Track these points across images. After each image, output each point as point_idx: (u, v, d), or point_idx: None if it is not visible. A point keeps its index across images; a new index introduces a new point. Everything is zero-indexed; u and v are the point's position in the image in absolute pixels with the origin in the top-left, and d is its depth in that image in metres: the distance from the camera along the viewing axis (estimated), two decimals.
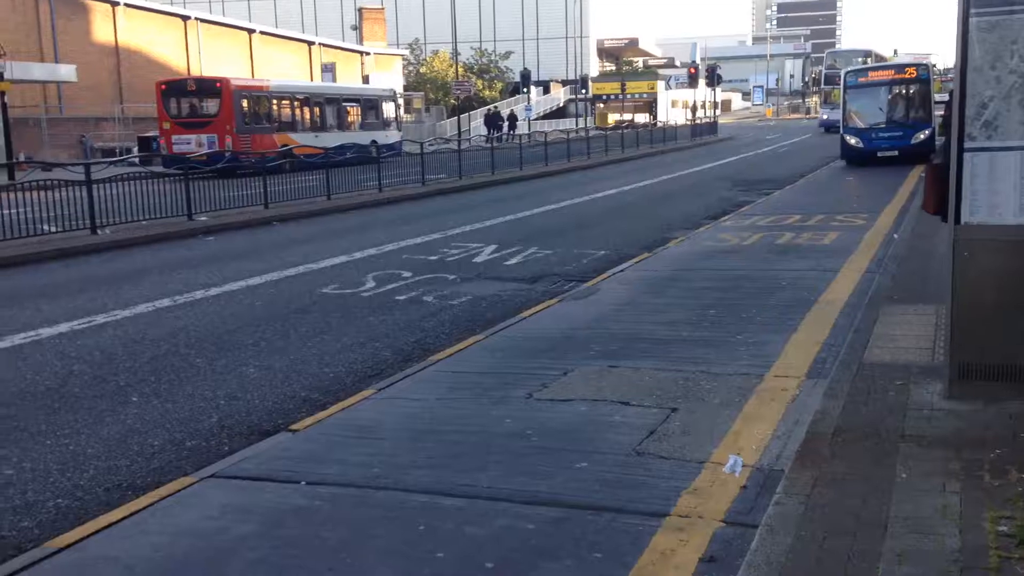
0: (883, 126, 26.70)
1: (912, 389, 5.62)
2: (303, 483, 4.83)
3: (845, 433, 4.90)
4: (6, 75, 26.09)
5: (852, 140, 26.94)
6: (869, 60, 55.71)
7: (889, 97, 27.16)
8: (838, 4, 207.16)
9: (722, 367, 6.68)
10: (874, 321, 7.40)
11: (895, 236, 12.45)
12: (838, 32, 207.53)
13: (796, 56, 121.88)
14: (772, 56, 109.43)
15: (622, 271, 10.97)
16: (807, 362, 6.74)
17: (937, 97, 28.74)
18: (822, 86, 61.27)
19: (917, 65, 28.56)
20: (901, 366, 6.12)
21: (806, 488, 4.20)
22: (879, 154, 26.25)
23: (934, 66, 33.60)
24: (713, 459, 4.93)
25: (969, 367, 5.31)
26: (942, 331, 6.00)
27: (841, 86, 28.70)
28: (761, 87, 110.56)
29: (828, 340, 7.34)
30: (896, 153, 26.01)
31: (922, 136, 26.23)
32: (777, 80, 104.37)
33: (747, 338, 7.51)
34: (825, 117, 55.41)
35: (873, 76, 28.04)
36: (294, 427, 5.78)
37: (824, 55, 60.04)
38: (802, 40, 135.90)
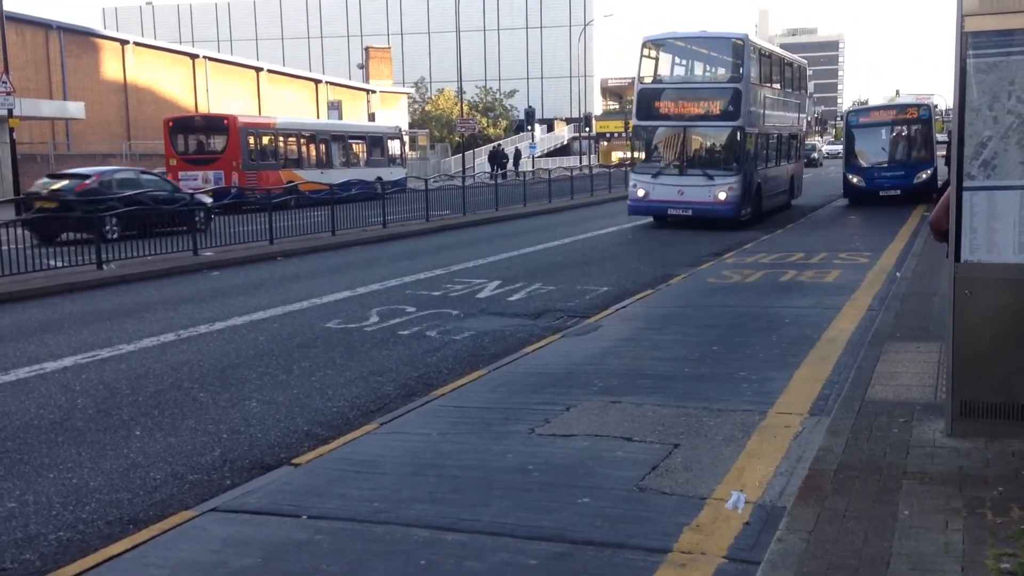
0: (885, 165, 26.88)
1: (914, 426, 5.62)
2: (304, 517, 4.83)
3: (848, 470, 4.90)
4: (15, 112, 26.38)
5: (855, 179, 27.10)
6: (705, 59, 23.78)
7: (891, 137, 27.37)
8: (840, 45, 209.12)
9: (724, 403, 6.69)
10: (877, 359, 7.40)
11: (897, 274, 12.48)
12: (840, 72, 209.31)
13: None
14: None
15: (625, 307, 11.00)
16: (810, 399, 6.75)
17: (939, 137, 28.95)
18: (634, 121, 22.95)
19: (919, 105, 28.79)
20: (904, 404, 6.12)
21: (808, 525, 4.19)
22: (881, 193, 26.41)
23: (936, 106, 33.85)
24: (716, 495, 4.92)
25: (971, 405, 5.32)
26: (944, 369, 6.00)
27: (844, 126, 28.91)
28: None
29: (831, 377, 7.35)
30: (899, 192, 26.17)
31: (924, 176, 26.41)
32: None
33: (750, 375, 7.52)
34: (641, 193, 22.07)
35: (875, 116, 28.30)
36: (296, 461, 5.79)
37: (641, 43, 22.56)
38: None
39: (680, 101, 21.96)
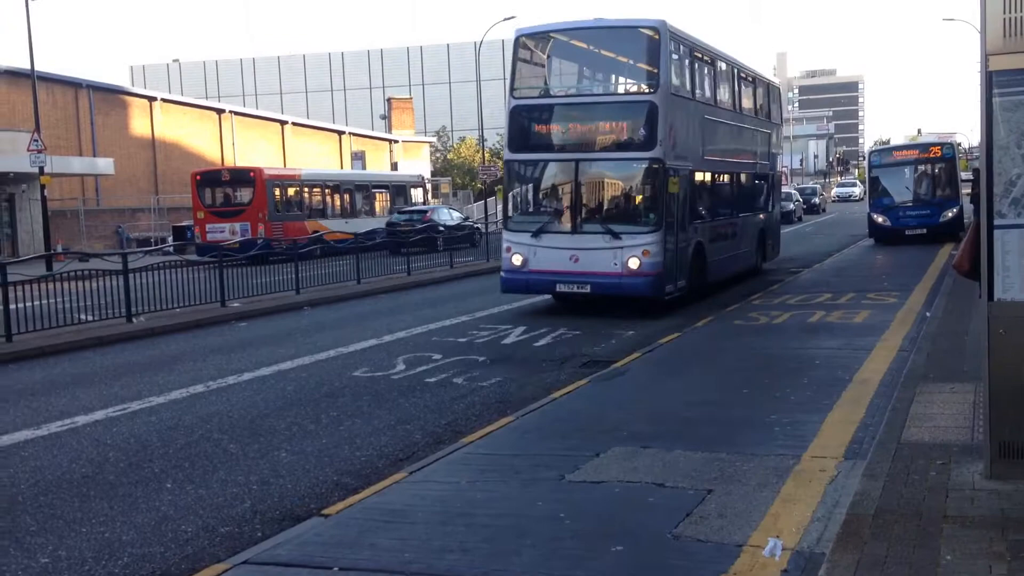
0: (910, 204, 26.81)
1: (952, 469, 5.52)
2: (336, 568, 4.79)
3: (886, 514, 4.81)
4: (46, 169, 26.85)
5: (880, 218, 27.01)
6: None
7: (915, 176, 27.32)
8: (860, 85, 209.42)
9: (757, 447, 6.61)
10: (911, 400, 7.31)
11: (927, 314, 12.36)
12: (861, 113, 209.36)
13: (819, 137, 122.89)
14: (795, 137, 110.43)
15: (651, 351, 10.94)
16: (844, 442, 6.65)
17: (963, 175, 28.85)
18: (506, 154, 15.56)
19: (942, 144, 28.78)
20: (940, 445, 6.02)
21: (848, 571, 4.11)
22: (907, 232, 26.30)
23: (959, 144, 33.77)
24: (752, 542, 4.84)
25: (1009, 445, 5.22)
26: (980, 409, 5.91)
27: (867, 166, 28.94)
28: (786, 167, 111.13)
29: (865, 419, 7.25)
30: (924, 231, 26.08)
31: (950, 214, 26.32)
32: (801, 160, 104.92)
33: (781, 418, 7.44)
34: (518, 261, 14.89)
35: (898, 155, 28.28)
36: (326, 512, 5.76)
37: (514, 40, 15.45)
38: (824, 121, 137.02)
39: (571, 124, 15.12)
